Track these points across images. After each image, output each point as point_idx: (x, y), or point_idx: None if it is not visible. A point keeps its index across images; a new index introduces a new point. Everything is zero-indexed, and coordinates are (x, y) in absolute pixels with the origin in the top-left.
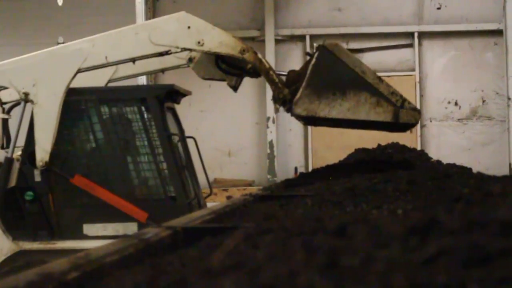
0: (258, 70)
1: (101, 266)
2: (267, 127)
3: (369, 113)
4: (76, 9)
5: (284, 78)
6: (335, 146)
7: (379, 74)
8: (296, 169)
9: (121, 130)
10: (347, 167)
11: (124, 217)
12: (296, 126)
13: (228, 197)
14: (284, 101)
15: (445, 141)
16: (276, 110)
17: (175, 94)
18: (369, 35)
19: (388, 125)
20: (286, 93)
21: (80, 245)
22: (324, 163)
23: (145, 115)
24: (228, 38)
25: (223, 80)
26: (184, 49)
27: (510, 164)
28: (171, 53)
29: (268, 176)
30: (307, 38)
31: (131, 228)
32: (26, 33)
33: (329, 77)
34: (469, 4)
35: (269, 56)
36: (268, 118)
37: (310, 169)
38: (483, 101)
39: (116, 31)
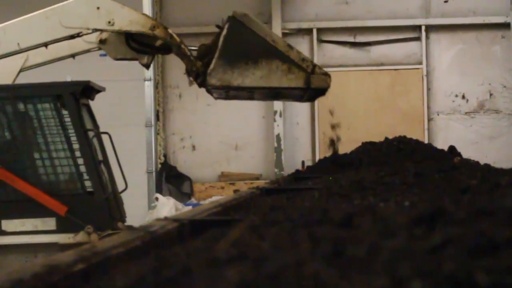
0: (169, 45)
1: (107, 258)
2: (274, 120)
3: (281, 80)
4: None
5: (195, 53)
6: (342, 139)
7: (386, 67)
8: (303, 162)
9: (38, 127)
10: (354, 159)
11: (42, 212)
12: (303, 120)
13: (235, 191)
14: (197, 73)
15: (452, 135)
16: (190, 83)
17: (89, 90)
18: (376, 28)
19: (301, 91)
20: (199, 65)
21: None
22: None
23: (62, 112)
24: (138, 16)
25: (135, 59)
26: (95, 30)
27: None
28: (82, 35)
29: (275, 170)
30: (314, 31)
31: (49, 223)
32: None
33: (241, 47)
34: None
35: None
36: (275, 112)
37: None
38: (491, 95)
39: (27, 17)
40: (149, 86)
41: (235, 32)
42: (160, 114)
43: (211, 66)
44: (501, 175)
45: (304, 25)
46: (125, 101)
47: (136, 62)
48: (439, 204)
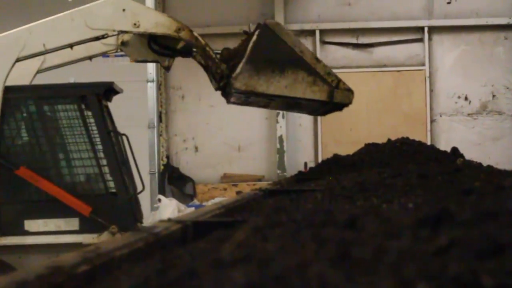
0: (190, 48)
1: (111, 259)
2: (277, 122)
3: (305, 91)
4: (85, 3)
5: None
6: (345, 141)
7: (389, 68)
8: (305, 164)
9: (61, 127)
10: (357, 161)
11: (65, 213)
12: (306, 121)
13: (238, 192)
14: (221, 76)
15: (455, 136)
16: (215, 85)
17: (108, 92)
18: (378, 29)
19: (321, 104)
20: (223, 68)
21: (21, 241)
22: None
23: (85, 112)
24: (164, 18)
25: (156, 61)
26: (120, 32)
27: None
28: (107, 37)
29: (278, 171)
30: (317, 32)
31: (72, 223)
32: None
33: (269, 54)
34: None
35: None
36: (278, 113)
37: None
38: (493, 96)
39: (52, 18)
40: (151, 87)
41: (265, 40)
42: (163, 115)
43: (238, 70)
44: (504, 177)
45: (307, 26)
46: (128, 102)
47: (138, 63)
48: (444, 206)
